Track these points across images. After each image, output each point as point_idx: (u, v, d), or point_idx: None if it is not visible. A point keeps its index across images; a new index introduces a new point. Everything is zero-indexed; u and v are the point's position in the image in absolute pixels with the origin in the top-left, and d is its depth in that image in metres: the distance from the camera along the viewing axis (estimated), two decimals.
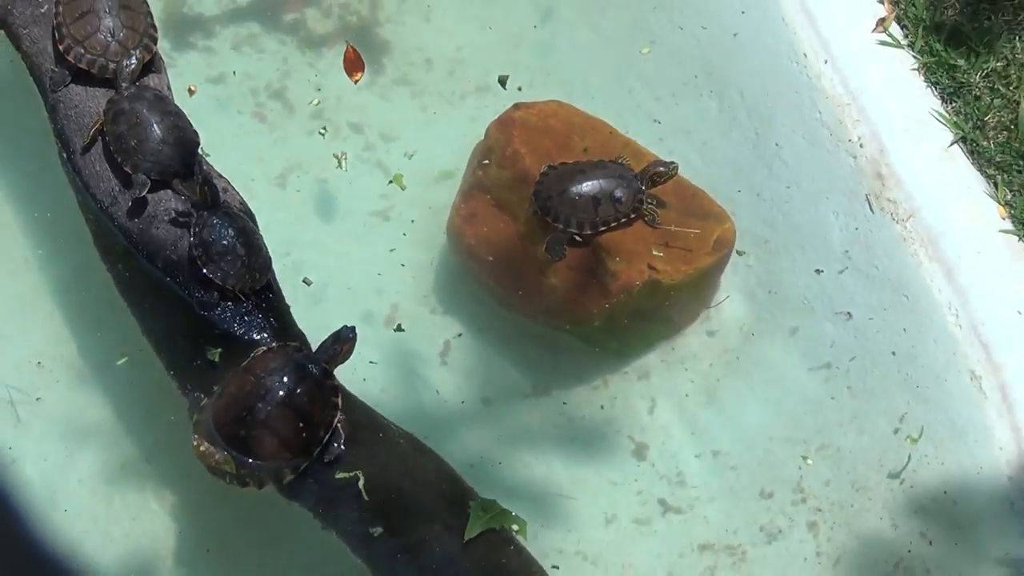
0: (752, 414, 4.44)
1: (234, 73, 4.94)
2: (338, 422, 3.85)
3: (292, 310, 3.99)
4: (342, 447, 3.84)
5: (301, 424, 3.73)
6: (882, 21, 4.62)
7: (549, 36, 5.15)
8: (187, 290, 3.87)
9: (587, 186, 4.18)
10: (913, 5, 4.71)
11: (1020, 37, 4.70)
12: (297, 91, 4.94)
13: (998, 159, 4.36)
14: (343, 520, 3.75)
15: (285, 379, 3.76)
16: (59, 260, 4.47)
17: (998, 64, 4.59)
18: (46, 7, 4.13)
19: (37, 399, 4.25)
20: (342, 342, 3.84)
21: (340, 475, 3.75)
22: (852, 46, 4.61)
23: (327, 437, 3.78)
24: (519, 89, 4.85)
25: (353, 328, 3.87)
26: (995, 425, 3.92)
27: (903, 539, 4.02)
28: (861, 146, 4.42)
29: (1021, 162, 4.40)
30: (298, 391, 3.77)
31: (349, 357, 3.89)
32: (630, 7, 5.10)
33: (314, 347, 3.92)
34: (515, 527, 3.74)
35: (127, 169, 3.89)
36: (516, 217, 4.35)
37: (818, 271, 4.44)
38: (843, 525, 4.16)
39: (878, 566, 4.03)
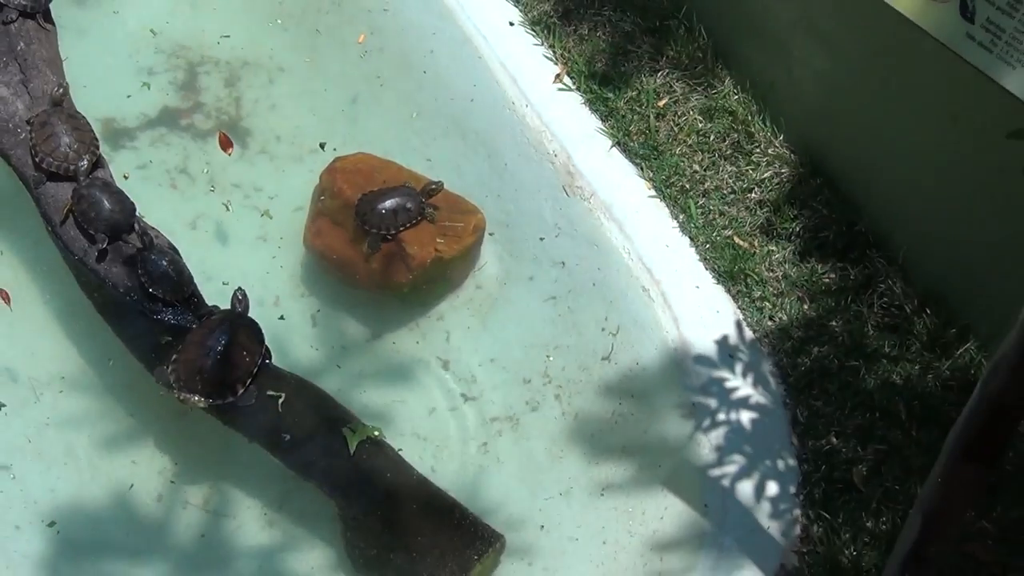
0: (511, 333, 5.14)
1: (151, 161, 5.58)
2: (265, 351, 4.47)
3: (212, 304, 4.66)
4: (269, 358, 4.50)
5: (244, 352, 4.39)
6: (558, 75, 5.50)
7: (354, 114, 5.86)
8: (140, 304, 4.52)
9: (388, 203, 4.96)
10: (576, 62, 5.54)
11: (645, 75, 5.48)
12: (194, 167, 5.60)
13: (641, 153, 5.22)
14: (265, 430, 4.40)
15: (230, 325, 4.46)
16: (56, 297, 5.02)
17: (633, 93, 5.42)
18: (23, 135, 4.75)
19: (60, 392, 4.78)
20: (241, 300, 4.61)
21: (270, 392, 4.39)
22: (542, 93, 5.45)
23: (260, 361, 4.43)
24: (334, 149, 5.54)
25: (241, 288, 4.65)
26: (661, 318, 4.72)
27: (615, 396, 4.73)
28: (555, 156, 5.23)
29: (654, 153, 5.24)
30: (240, 331, 4.45)
31: (248, 310, 4.60)
32: (403, 90, 5.81)
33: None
34: (376, 432, 4.40)
35: (91, 231, 4.56)
36: (347, 229, 5.07)
37: (541, 238, 5.20)
38: (576, 394, 4.85)
39: (602, 415, 4.75)
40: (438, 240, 5.10)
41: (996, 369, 2.91)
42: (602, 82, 5.53)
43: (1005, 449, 3.24)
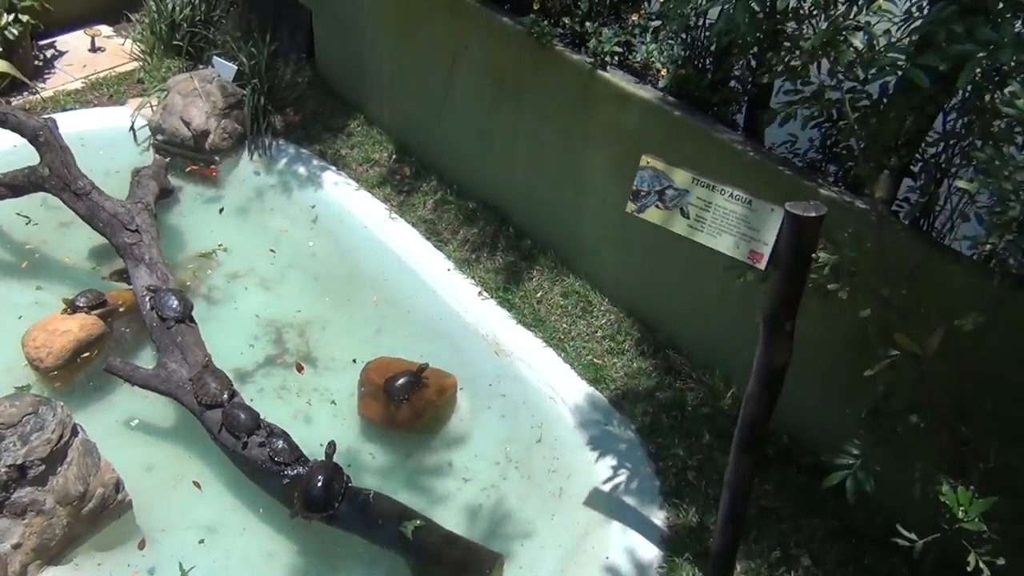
0: (483, 438, 5.16)
1: (263, 388, 5.41)
2: (347, 478, 4.50)
3: (313, 458, 4.62)
4: (350, 482, 4.49)
5: (334, 483, 4.49)
6: (480, 292, 5.61)
7: (375, 340, 5.79)
8: (271, 468, 4.62)
9: (401, 381, 5.08)
10: (487, 282, 5.65)
11: (525, 280, 5.68)
12: (289, 384, 5.47)
13: (533, 323, 5.39)
14: (356, 525, 4.46)
15: (326, 469, 4.55)
16: (225, 476, 4.91)
17: (522, 293, 5.59)
18: (189, 388, 4.89)
19: (240, 532, 4.66)
20: (330, 452, 4.66)
21: (362, 496, 4.45)
22: (473, 303, 5.60)
23: (345, 485, 4.53)
24: (364, 361, 5.41)
25: (332, 442, 4.70)
26: (563, 411, 4.93)
27: (548, 460, 4.84)
28: (486, 336, 5.41)
29: (540, 323, 5.40)
30: (330, 471, 4.55)
31: (334, 456, 4.63)
32: (400, 322, 5.80)
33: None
34: (418, 522, 4.40)
35: (236, 434, 4.70)
36: (380, 400, 5.14)
37: (489, 384, 5.32)
38: (525, 464, 4.85)
39: (542, 472, 4.77)
40: (432, 397, 5.23)
41: (747, 400, 3.39)
42: (504, 290, 5.80)
43: (763, 444, 3.60)
